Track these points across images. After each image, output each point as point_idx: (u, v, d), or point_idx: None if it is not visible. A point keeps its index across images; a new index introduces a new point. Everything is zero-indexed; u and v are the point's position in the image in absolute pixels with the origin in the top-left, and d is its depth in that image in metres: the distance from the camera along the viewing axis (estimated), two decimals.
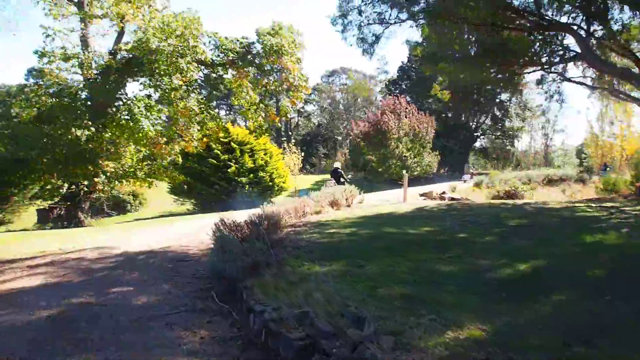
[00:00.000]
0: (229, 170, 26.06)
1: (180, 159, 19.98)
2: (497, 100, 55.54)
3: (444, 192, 18.08)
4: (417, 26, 15.63)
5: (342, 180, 19.25)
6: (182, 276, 6.61)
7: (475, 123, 57.38)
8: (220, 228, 6.97)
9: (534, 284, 5.11)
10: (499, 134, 58.24)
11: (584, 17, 13.42)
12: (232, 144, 26.75)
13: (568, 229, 8.40)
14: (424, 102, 51.45)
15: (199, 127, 18.54)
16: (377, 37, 16.14)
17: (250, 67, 18.46)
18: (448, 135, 48.85)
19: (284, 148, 33.97)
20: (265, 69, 19.02)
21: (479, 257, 6.33)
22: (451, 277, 5.44)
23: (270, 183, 28.16)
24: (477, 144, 60.88)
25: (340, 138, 79.45)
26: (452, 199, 16.88)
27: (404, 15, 15.62)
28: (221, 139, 25.01)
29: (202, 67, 18.83)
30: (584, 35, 13.17)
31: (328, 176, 54.87)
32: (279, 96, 26.95)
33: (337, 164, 22.07)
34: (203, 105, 18.63)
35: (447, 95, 21.62)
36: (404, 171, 21.50)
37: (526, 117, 58.94)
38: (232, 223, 7.25)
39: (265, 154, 28.38)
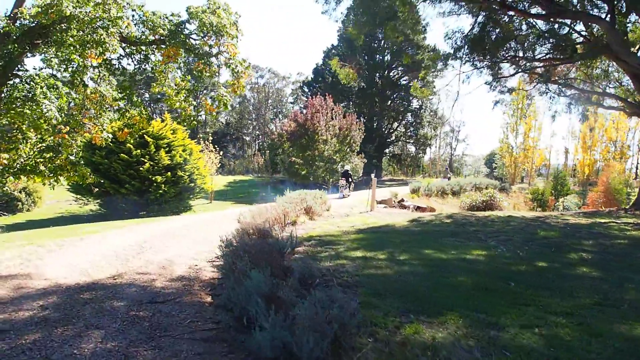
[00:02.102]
0: (141, 167, 22.70)
1: (80, 153, 16.73)
2: (411, 107, 56.65)
3: (402, 200, 16.72)
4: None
5: (350, 180, 24.65)
6: (175, 337, 4.10)
7: (387, 129, 57.95)
8: (240, 254, 4.67)
9: None
10: (412, 141, 59.37)
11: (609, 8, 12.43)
12: (147, 137, 23.36)
13: None
14: (338, 105, 50.81)
15: (118, 116, 15.51)
16: None
17: (182, 49, 15.81)
18: (364, 139, 48.51)
19: (202, 145, 30.86)
20: (200, 51, 16.44)
21: None
22: None
23: (191, 184, 25.14)
24: (388, 150, 61.65)
25: (248, 138, 77.02)
26: (418, 207, 15.53)
27: None
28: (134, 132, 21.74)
29: (124, 45, 15.81)
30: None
31: (240, 177, 52.62)
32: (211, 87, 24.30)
33: (347, 166, 27.38)
34: (123, 90, 15.61)
35: (427, 92, 20.61)
36: (372, 175, 20.11)
37: (437, 125, 60.72)
38: (250, 246, 4.96)
39: (184, 151, 25.28)
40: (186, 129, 27.92)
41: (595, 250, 7.62)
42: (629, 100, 15.33)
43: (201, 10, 16.45)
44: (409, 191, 25.39)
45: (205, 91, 39.75)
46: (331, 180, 32.19)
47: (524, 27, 14.17)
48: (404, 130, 59.30)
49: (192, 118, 17.59)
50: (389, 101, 56.11)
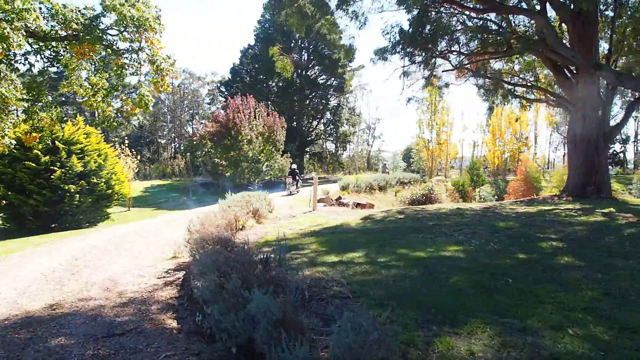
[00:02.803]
0: (52, 175, 20.67)
1: None
2: (330, 106, 57.15)
3: (339, 197, 16.50)
4: None
5: (297, 178, 26.46)
6: None
7: (307, 128, 58.03)
8: (228, 270, 4.07)
9: None
10: (332, 138, 59.88)
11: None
12: (57, 142, 21.33)
13: (626, 244, 7.17)
14: (260, 104, 50.23)
15: (24, 118, 13.88)
16: None
17: (99, 44, 14.43)
18: (286, 139, 48.30)
19: (118, 150, 28.76)
20: (118, 47, 15.11)
21: None
22: None
23: (108, 191, 23.30)
24: (308, 149, 61.75)
25: (164, 141, 74.04)
26: (358, 204, 15.38)
27: None
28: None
29: (31, 40, 14.13)
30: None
31: (157, 182, 50.26)
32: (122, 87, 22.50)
33: (294, 165, 29.16)
34: (30, 90, 13.97)
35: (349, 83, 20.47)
36: (314, 173, 19.78)
37: (355, 123, 61.72)
38: (230, 259, 4.36)
39: (98, 156, 23.40)
40: (100, 133, 26.02)
41: (561, 237, 7.71)
42: (550, 91, 16.22)
43: (118, 3, 15.07)
44: (339, 188, 25.48)
45: (116, 92, 37.27)
46: (256, 180, 31.44)
47: (454, 22, 14.50)
48: (323, 128, 59.73)
49: (112, 119, 16.07)
50: (308, 100, 56.26)
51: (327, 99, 56.85)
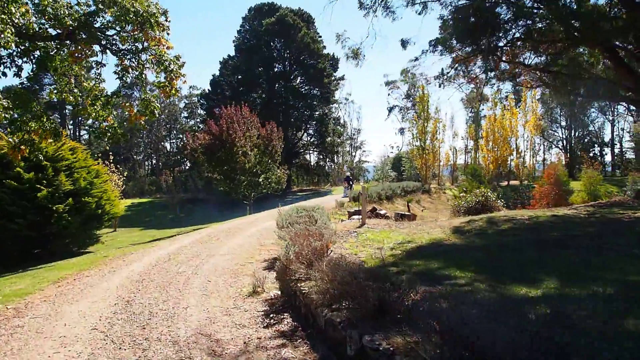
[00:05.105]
0: (38, 194, 18.54)
1: None
2: (315, 116, 55.80)
3: (374, 209, 14.93)
4: None
5: (351, 184, 31.08)
6: None
7: (293, 139, 56.49)
8: None
9: None
10: (318, 150, 58.43)
11: None
12: (42, 159, 19.20)
13: None
14: (254, 114, 48.65)
15: (12, 130, 11.92)
16: None
17: (98, 44, 12.60)
18: None
19: (105, 167, 26.53)
20: (119, 48, 13.27)
21: None
22: None
23: (98, 210, 21.18)
24: (295, 161, 60.13)
25: (139, 158, 71.54)
26: (402, 215, 13.89)
27: None
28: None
29: (18, 40, 12.17)
30: None
31: (137, 200, 48.06)
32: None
33: (348, 173, 36.99)
34: (18, 98, 12.05)
35: None
36: (362, 183, 18.25)
37: (341, 133, 60.51)
38: None
39: (88, 173, 21.34)
40: (86, 149, 24.12)
41: None
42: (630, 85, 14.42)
43: None
44: (349, 200, 24.13)
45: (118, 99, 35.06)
46: (252, 195, 29.59)
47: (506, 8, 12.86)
48: (309, 139, 58.39)
49: (115, 131, 13.85)
50: (292, 110, 54.83)
51: (312, 109, 55.49)
